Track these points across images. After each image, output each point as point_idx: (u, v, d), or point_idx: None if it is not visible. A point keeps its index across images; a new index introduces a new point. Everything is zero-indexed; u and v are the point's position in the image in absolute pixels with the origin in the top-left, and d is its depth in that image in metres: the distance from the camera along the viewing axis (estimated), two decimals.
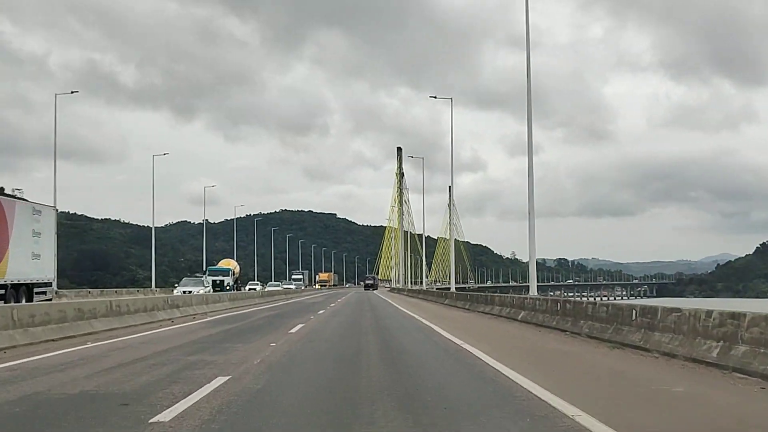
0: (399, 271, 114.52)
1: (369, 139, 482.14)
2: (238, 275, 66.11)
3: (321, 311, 28.45)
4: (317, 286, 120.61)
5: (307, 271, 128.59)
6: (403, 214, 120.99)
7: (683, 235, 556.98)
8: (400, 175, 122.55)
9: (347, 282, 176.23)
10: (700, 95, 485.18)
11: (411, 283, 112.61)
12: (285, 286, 79.21)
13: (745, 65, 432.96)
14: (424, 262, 74.57)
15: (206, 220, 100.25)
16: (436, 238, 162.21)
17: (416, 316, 24.43)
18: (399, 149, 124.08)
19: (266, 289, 60.27)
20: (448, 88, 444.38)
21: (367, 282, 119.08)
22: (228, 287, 55.31)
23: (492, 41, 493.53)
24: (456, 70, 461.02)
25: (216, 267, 66.89)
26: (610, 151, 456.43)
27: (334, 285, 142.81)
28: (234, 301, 32.75)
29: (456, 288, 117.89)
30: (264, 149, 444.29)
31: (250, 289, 60.44)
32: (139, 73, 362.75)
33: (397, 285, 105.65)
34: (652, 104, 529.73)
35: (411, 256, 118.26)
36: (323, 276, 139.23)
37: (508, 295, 24.80)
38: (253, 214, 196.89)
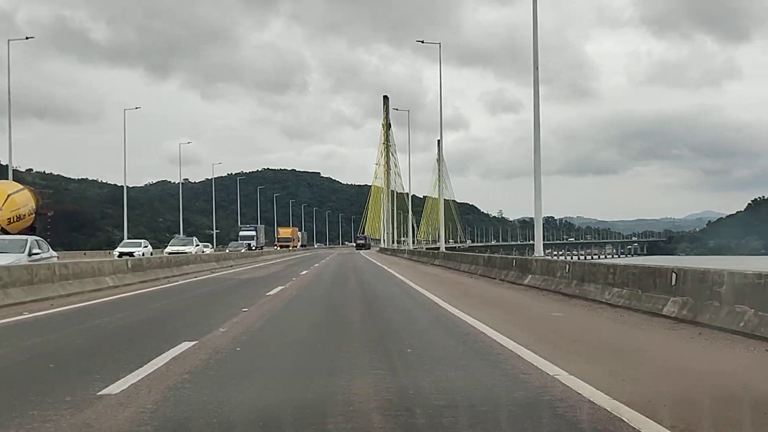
0: (387, 229, 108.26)
1: (349, 98, 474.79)
2: (30, 219, 30.91)
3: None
4: (277, 247, 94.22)
5: (264, 226, 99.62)
6: (390, 169, 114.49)
7: (666, 193, 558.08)
8: (387, 126, 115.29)
9: (330, 243, 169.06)
10: (681, 52, 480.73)
11: (396, 242, 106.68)
12: (171, 249, 43.10)
13: (727, 21, 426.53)
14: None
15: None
16: (421, 196, 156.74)
17: None
18: (385, 98, 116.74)
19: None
20: (428, 44, 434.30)
21: (359, 242, 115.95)
22: None
23: None
24: (436, 25, 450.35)
25: None
26: (593, 108, 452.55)
27: (303, 245, 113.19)
28: None
29: (445, 247, 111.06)
30: (242, 108, 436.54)
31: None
32: (111, 30, 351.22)
33: (392, 245, 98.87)
34: (634, 61, 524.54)
35: (400, 214, 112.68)
36: (284, 232, 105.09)
37: None
38: (235, 173, 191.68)
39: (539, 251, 20.29)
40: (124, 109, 60.82)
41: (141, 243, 43.85)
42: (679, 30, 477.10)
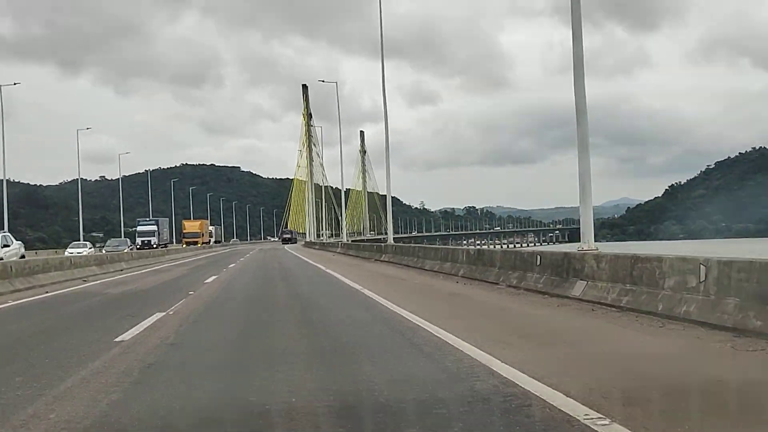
0: (313, 223, 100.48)
1: (266, 91, 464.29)
2: None
3: None
4: (183, 244, 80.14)
5: (167, 220, 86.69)
6: (313, 160, 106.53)
7: None
8: (308, 116, 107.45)
9: (251, 238, 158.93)
10: (594, 41, 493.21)
11: (317, 235, 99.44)
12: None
13: (636, 10, 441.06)
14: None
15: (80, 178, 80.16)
16: (341, 189, 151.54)
17: None
18: (304, 87, 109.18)
19: None
20: (343, 36, 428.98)
21: (285, 236, 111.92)
22: None
23: None
24: (350, 17, 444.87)
25: None
26: (509, 98, 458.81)
27: (217, 241, 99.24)
28: None
29: (368, 240, 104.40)
30: (158, 103, 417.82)
31: None
32: (18, 25, 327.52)
33: (319, 239, 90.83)
34: (547, 51, 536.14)
35: (324, 206, 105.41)
36: (191, 226, 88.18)
37: None
38: (153, 169, 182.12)
39: (590, 241, 12.50)
40: (0, 86, 53.29)
41: None
42: (591, 19, 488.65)
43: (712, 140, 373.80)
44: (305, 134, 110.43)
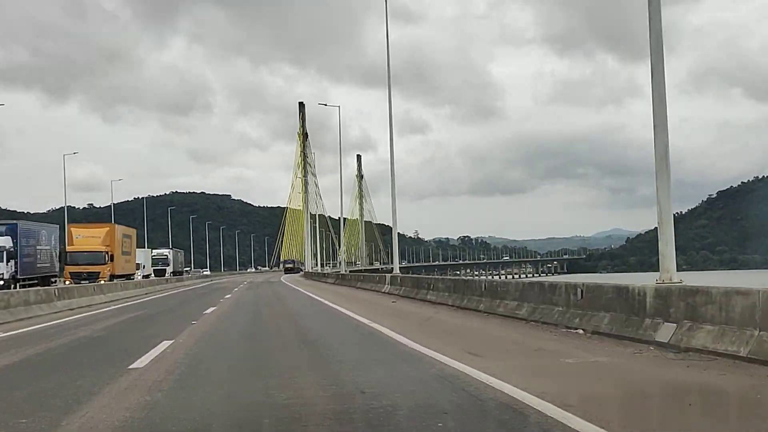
0: (312, 251, 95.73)
1: (254, 119, 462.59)
2: None
3: None
4: (65, 279, 42.89)
5: (56, 228, 46.10)
6: (308, 183, 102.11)
7: (574, 212, 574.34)
8: (304, 135, 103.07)
9: (240, 267, 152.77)
10: (584, 70, 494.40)
11: (322, 265, 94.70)
12: None
13: (627, 39, 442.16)
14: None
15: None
16: (336, 218, 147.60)
17: None
18: (301, 105, 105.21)
19: None
20: (332, 64, 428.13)
21: (287, 266, 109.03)
22: None
23: (374, 14, 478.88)
24: (339, 45, 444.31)
25: None
26: (499, 128, 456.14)
27: (176, 272, 67.51)
28: None
29: (369, 269, 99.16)
30: (145, 131, 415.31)
31: None
32: (3, 51, 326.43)
33: (325, 268, 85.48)
34: (538, 81, 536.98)
35: (321, 233, 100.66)
36: (84, 238, 45.68)
37: None
38: (141, 197, 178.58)
39: None
40: None
41: None
42: (582, 48, 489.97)
43: (703, 171, 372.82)
44: (300, 155, 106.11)
